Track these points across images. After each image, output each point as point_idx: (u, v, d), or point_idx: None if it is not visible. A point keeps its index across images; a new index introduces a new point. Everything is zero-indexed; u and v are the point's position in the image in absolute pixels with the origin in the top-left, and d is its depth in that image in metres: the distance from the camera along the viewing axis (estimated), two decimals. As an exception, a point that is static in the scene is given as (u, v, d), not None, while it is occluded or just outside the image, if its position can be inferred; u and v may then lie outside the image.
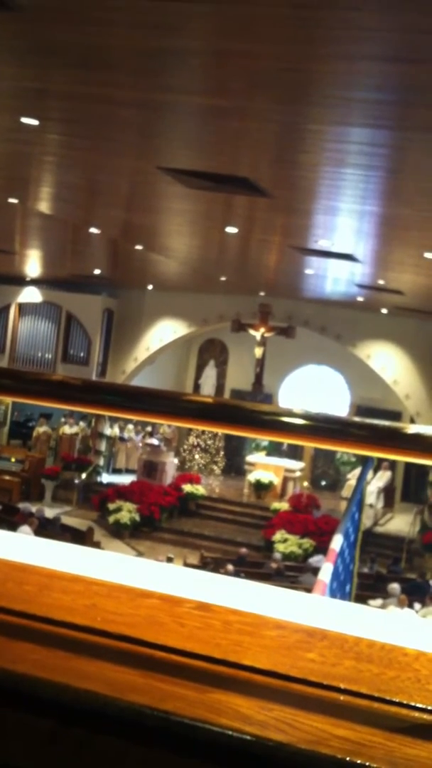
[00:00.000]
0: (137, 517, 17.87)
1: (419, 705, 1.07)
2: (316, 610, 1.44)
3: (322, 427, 1.34)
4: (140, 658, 1.15)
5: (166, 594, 1.35)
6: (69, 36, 4.93)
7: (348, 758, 0.93)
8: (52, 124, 7.36)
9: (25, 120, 6.96)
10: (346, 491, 19.20)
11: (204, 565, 14.58)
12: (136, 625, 1.23)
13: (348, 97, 5.40)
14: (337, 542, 5.78)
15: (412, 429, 1.28)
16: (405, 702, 1.07)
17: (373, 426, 1.31)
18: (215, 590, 1.42)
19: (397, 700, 1.07)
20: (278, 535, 17.14)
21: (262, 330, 19.63)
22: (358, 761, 0.93)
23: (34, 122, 7.01)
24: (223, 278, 17.92)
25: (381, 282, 14.23)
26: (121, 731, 1.00)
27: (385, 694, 1.08)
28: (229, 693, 1.06)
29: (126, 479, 20.95)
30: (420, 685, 1.12)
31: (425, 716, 1.05)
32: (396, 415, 20.65)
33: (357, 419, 1.33)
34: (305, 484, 21.14)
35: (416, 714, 1.06)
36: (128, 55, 5.16)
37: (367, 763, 0.92)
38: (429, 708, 1.06)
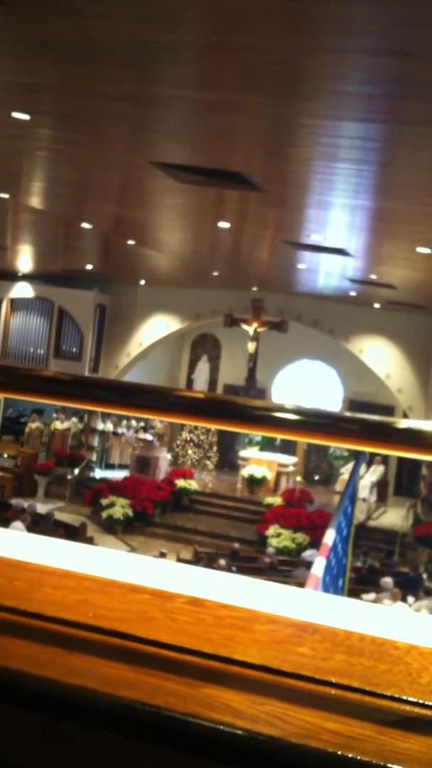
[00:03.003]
0: (130, 513, 17.87)
1: (410, 698, 1.07)
2: (308, 604, 1.44)
3: (313, 422, 1.34)
4: (132, 653, 1.15)
5: (157, 589, 1.34)
6: (60, 29, 4.91)
7: (339, 752, 0.93)
8: (44, 118, 7.32)
9: (15, 114, 6.93)
10: (339, 485, 19.24)
11: (197, 560, 14.59)
12: (128, 620, 1.23)
13: (339, 90, 5.40)
14: (329, 537, 5.79)
15: (402, 423, 1.29)
16: (396, 696, 1.07)
17: (364, 420, 1.31)
18: (207, 585, 1.41)
19: (389, 694, 1.07)
20: (271, 530, 17.17)
21: (255, 325, 19.63)
22: (350, 755, 0.93)
23: (25, 117, 6.98)
24: (215, 273, 17.90)
25: (373, 276, 14.23)
26: (112, 726, 1.00)
27: (377, 687, 1.08)
28: (220, 688, 1.06)
29: (119, 474, 20.94)
30: (411, 678, 1.12)
31: (416, 710, 1.05)
32: (389, 410, 20.68)
33: (348, 414, 1.33)
34: (298, 478, 21.16)
35: (407, 707, 1.06)
36: (120, 48, 5.14)
37: (359, 757, 0.92)
38: (420, 701, 1.06)
